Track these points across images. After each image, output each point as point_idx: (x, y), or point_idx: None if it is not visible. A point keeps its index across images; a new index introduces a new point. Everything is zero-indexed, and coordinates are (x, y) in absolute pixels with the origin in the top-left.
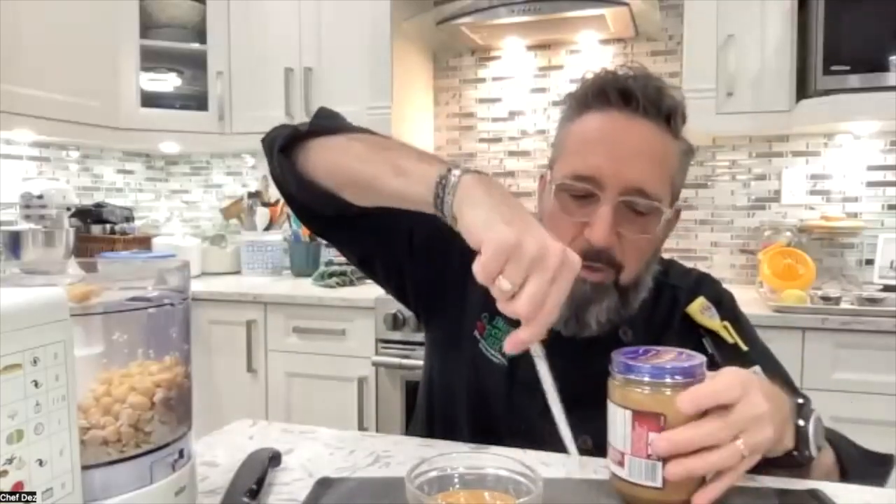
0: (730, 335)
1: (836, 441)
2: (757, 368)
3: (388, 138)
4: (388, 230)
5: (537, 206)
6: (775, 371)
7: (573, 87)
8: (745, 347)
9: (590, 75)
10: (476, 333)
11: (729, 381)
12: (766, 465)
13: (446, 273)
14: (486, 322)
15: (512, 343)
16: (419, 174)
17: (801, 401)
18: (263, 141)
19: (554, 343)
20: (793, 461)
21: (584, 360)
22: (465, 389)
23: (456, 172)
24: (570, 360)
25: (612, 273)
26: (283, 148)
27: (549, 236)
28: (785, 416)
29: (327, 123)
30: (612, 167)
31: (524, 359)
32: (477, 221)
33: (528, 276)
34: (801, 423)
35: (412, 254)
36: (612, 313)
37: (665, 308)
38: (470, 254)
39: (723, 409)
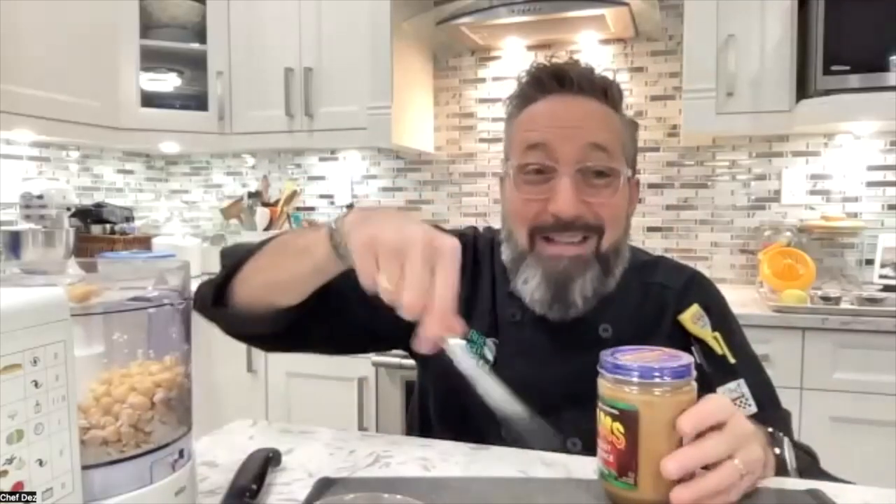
0: (719, 346)
1: (802, 467)
2: (741, 381)
3: (281, 234)
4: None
5: (502, 207)
6: (760, 383)
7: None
8: (732, 360)
9: (523, 74)
10: None
11: (720, 400)
12: None
13: None
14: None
15: (422, 343)
16: (315, 241)
17: (770, 430)
18: (197, 311)
19: (538, 346)
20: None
21: (567, 361)
22: (442, 405)
23: (338, 219)
24: (553, 364)
25: (592, 242)
26: (215, 302)
27: (413, 224)
28: (763, 443)
29: (233, 256)
30: (561, 135)
31: (506, 366)
32: (352, 243)
33: (403, 267)
34: (777, 451)
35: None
36: (595, 283)
37: (653, 308)
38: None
39: (715, 428)
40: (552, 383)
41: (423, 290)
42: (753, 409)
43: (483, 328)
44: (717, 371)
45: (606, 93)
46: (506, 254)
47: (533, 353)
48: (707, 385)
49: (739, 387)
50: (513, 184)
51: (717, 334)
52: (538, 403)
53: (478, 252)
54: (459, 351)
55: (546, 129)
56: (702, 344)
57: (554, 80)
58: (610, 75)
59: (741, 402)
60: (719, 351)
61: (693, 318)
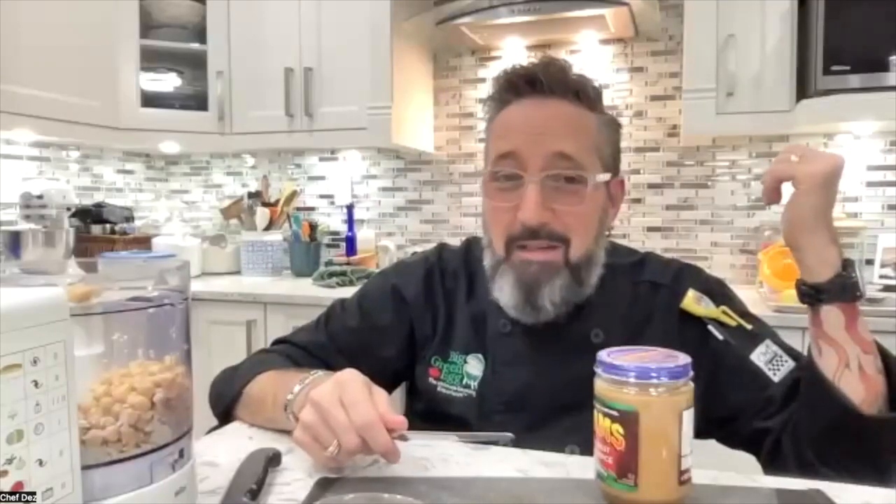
0: (731, 318)
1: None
2: (768, 342)
3: (253, 382)
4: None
5: (482, 214)
6: (781, 342)
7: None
8: (748, 326)
9: (500, 76)
10: (431, 380)
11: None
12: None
13: (411, 337)
14: (439, 363)
15: (387, 458)
16: (280, 418)
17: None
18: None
19: (530, 355)
20: (846, 291)
21: (560, 368)
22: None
23: (290, 396)
24: (547, 372)
25: (560, 251)
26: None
27: (327, 388)
28: (835, 234)
29: (221, 400)
30: (530, 142)
31: (500, 377)
32: (295, 440)
33: (332, 429)
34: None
35: (409, 355)
36: (564, 291)
37: (644, 307)
38: (398, 303)
39: None
40: (547, 391)
41: (350, 429)
42: (791, 363)
43: (462, 346)
44: (741, 341)
45: (579, 94)
46: (486, 260)
47: (526, 362)
48: (736, 357)
49: (769, 347)
50: (485, 191)
51: (724, 308)
52: (536, 411)
53: (446, 274)
54: (415, 436)
55: (515, 137)
56: (714, 322)
57: (526, 83)
58: (587, 74)
59: (777, 361)
60: (733, 323)
61: (695, 301)
